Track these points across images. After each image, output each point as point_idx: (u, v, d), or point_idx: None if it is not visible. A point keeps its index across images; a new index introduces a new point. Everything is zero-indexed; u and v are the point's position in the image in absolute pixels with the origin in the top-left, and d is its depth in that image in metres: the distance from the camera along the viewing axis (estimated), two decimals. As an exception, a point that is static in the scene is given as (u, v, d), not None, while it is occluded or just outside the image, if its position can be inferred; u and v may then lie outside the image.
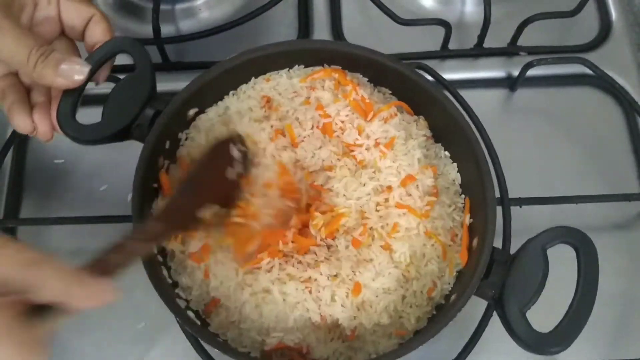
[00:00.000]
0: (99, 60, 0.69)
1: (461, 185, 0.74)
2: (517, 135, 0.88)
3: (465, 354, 0.72)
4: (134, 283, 0.78)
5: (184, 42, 0.91)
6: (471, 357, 0.73)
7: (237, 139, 0.68)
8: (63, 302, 0.46)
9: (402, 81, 0.73)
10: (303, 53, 0.76)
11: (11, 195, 0.85)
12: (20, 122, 0.68)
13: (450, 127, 0.71)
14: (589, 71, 0.87)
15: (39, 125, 0.69)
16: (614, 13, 0.95)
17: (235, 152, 0.67)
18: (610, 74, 0.87)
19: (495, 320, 0.73)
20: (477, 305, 0.74)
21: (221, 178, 0.65)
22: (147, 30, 0.90)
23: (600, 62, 0.87)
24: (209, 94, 0.74)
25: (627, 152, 0.88)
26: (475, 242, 0.68)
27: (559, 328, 0.60)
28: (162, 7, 0.89)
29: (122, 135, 0.68)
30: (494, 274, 0.63)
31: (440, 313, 0.68)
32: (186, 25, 0.96)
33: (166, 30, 0.91)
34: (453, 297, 0.67)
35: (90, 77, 0.67)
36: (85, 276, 0.48)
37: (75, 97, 0.67)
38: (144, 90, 0.69)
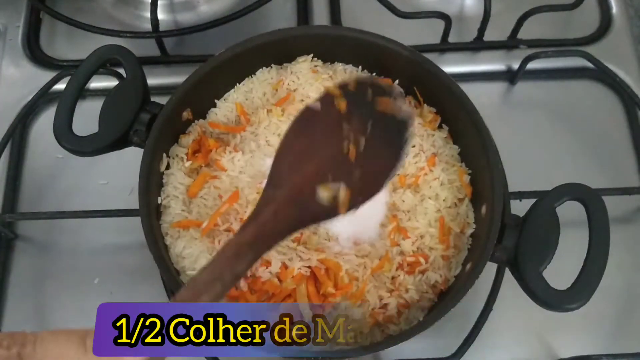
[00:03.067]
0: (88, 71, 0.69)
1: (461, 154, 0.75)
2: (517, 128, 0.88)
3: (465, 347, 0.72)
4: (132, 276, 0.79)
5: (183, 35, 0.91)
6: (470, 351, 0.73)
7: None
8: None
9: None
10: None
11: (10, 189, 0.85)
12: None
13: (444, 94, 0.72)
14: (589, 64, 0.87)
15: None
16: (614, 6, 0.95)
17: None
18: (610, 67, 0.87)
19: (494, 314, 0.73)
20: (476, 302, 0.74)
21: None
22: (145, 23, 0.90)
23: (600, 55, 0.87)
24: (202, 92, 0.74)
25: (627, 145, 0.88)
26: (483, 209, 0.68)
27: (577, 283, 0.60)
28: (161, 0, 0.89)
29: (120, 143, 0.69)
30: (507, 238, 0.64)
31: (457, 283, 0.68)
32: (185, 18, 0.96)
33: (165, 23, 0.91)
34: (468, 266, 0.67)
35: (82, 89, 0.67)
36: None
37: (70, 109, 0.67)
38: (136, 96, 0.69)
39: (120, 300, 0.79)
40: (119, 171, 0.83)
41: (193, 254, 0.68)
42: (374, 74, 0.78)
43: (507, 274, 0.73)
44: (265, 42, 0.74)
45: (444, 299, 0.68)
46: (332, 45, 0.77)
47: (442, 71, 0.72)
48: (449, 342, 0.73)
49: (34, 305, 0.79)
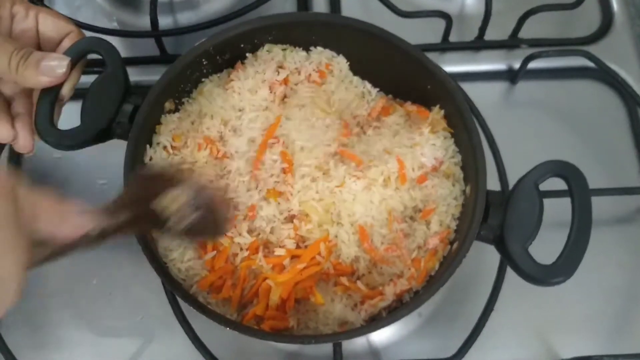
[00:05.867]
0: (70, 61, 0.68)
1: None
2: (518, 128, 0.87)
3: (466, 348, 0.72)
4: (131, 276, 0.79)
5: (182, 34, 0.90)
6: (471, 352, 0.73)
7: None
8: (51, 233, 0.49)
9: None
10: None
11: (9, 189, 0.85)
12: (1, 130, 0.68)
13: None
14: (590, 64, 0.87)
15: (20, 133, 0.69)
16: (615, 5, 0.95)
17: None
18: (611, 66, 0.87)
19: (495, 315, 0.73)
20: (477, 303, 0.74)
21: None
22: (144, 22, 0.89)
23: (601, 55, 0.87)
24: (183, 83, 0.74)
25: (628, 145, 0.88)
26: (468, 189, 0.69)
27: (562, 258, 0.60)
28: (160, -1, 0.89)
29: (103, 135, 0.68)
30: (492, 216, 0.64)
31: (445, 262, 0.68)
32: (184, 18, 0.96)
33: (164, 22, 0.91)
34: (455, 245, 0.68)
35: (62, 83, 0.67)
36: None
37: (51, 103, 0.67)
38: (118, 88, 0.69)
39: (119, 302, 0.80)
40: (119, 171, 0.82)
41: (181, 244, 0.69)
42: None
43: (508, 275, 0.73)
44: (243, 32, 0.74)
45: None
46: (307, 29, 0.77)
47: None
48: (450, 343, 0.73)
49: (32, 306, 0.79)
